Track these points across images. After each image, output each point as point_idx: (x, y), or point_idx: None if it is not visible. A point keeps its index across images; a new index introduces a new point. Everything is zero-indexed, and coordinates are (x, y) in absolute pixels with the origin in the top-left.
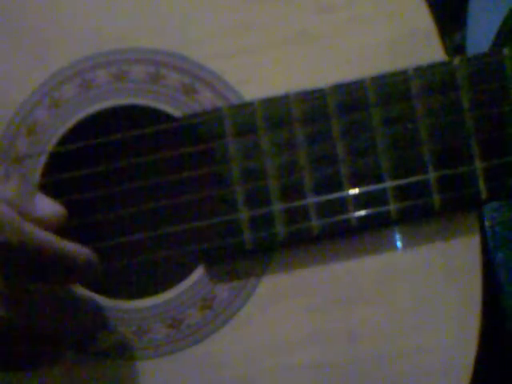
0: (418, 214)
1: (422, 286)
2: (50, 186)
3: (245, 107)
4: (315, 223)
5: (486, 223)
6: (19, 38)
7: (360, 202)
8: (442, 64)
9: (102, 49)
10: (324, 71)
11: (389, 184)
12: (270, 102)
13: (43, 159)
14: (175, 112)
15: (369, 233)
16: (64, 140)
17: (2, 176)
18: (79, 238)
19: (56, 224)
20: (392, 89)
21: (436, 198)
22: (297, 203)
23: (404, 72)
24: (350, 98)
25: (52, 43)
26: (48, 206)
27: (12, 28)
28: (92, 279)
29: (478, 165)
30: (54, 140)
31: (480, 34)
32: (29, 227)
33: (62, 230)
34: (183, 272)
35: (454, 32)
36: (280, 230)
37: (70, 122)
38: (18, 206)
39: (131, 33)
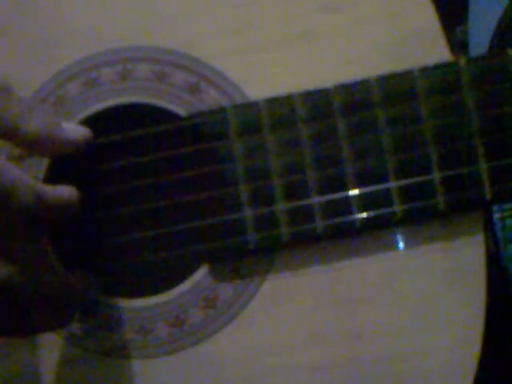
0: (423, 215)
1: (425, 286)
2: (54, 183)
3: (249, 107)
4: (319, 223)
5: (496, 215)
6: (20, 38)
7: (364, 202)
8: (448, 65)
9: (105, 48)
10: (327, 71)
11: (393, 184)
12: (274, 102)
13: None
14: (180, 111)
15: (372, 233)
16: None
17: (25, 110)
18: (82, 236)
19: (85, 144)
20: (397, 89)
21: (440, 199)
22: (301, 203)
23: (409, 72)
24: (355, 98)
25: (54, 43)
26: (76, 128)
27: (13, 28)
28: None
29: (483, 166)
30: None
31: (482, 26)
32: (36, 182)
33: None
34: (186, 271)
35: (457, 26)
36: (284, 229)
37: (74, 121)
38: (48, 133)
39: (135, 32)
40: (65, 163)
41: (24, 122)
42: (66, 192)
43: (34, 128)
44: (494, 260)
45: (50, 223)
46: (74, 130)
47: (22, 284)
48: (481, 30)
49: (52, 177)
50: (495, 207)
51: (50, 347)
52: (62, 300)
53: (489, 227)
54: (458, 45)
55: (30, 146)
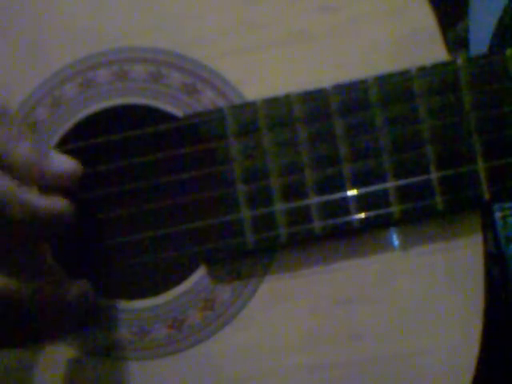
0: (421, 215)
1: (424, 286)
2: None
3: (246, 107)
4: (317, 224)
5: (497, 214)
6: (18, 38)
7: (362, 202)
8: (445, 64)
9: (101, 48)
10: (325, 71)
11: (391, 184)
12: (271, 102)
13: None
14: (176, 112)
15: (371, 233)
16: (65, 139)
17: (15, 136)
18: (81, 237)
19: (73, 178)
20: (395, 89)
21: (438, 199)
22: (299, 203)
23: (407, 72)
24: (353, 98)
25: (51, 43)
26: (64, 162)
27: (11, 28)
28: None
29: (481, 166)
30: (55, 139)
31: (482, 23)
32: (30, 196)
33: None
34: (184, 272)
35: (457, 22)
36: (282, 230)
37: (71, 122)
38: (34, 163)
39: (131, 32)
40: None
41: (11, 146)
42: (58, 204)
43: (21, 154)
44: (494, 259)
45: (45, 235)
46: (62, 162)
47: (20, 294)
48: (481, 27)
49: None
50: (496, 206)
51: (50, 347)
52: (60, 309)
53: (489, 227)
54: (459, 41)
55: (17, 171)
